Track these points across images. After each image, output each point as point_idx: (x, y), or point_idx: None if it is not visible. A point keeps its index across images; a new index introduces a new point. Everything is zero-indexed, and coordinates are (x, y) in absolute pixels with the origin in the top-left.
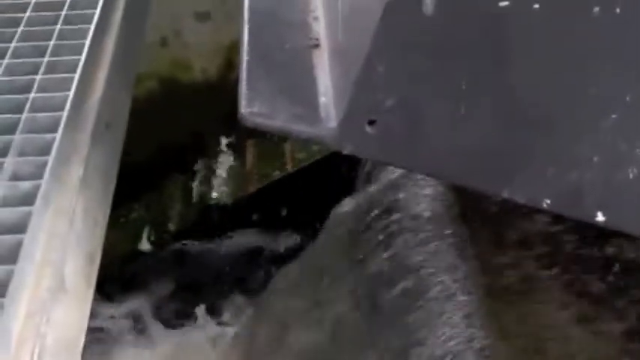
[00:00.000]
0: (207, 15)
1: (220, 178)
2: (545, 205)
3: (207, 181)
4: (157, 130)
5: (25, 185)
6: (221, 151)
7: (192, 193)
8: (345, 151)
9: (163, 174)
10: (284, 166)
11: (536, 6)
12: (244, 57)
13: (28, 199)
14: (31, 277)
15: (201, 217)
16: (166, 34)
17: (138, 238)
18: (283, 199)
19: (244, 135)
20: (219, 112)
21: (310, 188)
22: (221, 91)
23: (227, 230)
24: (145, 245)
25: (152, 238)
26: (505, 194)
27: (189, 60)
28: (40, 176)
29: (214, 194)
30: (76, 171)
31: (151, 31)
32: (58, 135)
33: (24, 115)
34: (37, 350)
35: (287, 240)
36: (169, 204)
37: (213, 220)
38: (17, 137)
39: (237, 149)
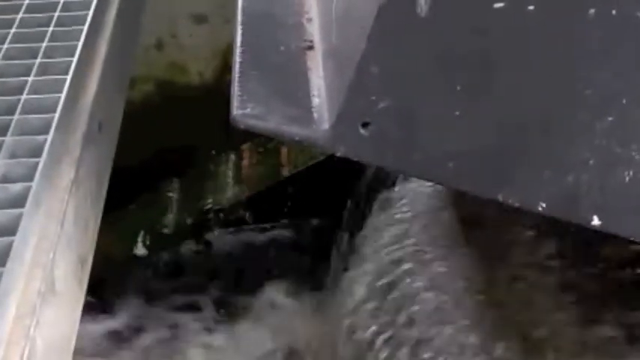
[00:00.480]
0: (204, 17)
1: (217, 181)
2: (540, 209)
3: (203, 185)
4: (153, 134)
5: (16, 187)
6: (217, 155)
7: (188, 197)
8: (339, 154)
9: (159, 177)
10: (281, 169)
11: (531, 7)
12: (237, 58)
13: (19, 201)
14: (21, 280)
15: (197, 221)
16: (162, 36)
17: (133, 242)
18: (281, 203)
19: (241, 138)
20: (215, 116)
21: (307, 191)
22: (218, 94)
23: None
24: (140, 250)
25: (147, 243)
26: (500, 197)
27: (186, 63)
28: (31, 178)
29: (211, 198)
30: (67, 173)
31: (147, 33)
32: (50, 137)
33: (15, 117)
34: (26, 353)
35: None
36: (165, 207)
37: (210, 224)
38: (8, 139)
39: (233, 153)
